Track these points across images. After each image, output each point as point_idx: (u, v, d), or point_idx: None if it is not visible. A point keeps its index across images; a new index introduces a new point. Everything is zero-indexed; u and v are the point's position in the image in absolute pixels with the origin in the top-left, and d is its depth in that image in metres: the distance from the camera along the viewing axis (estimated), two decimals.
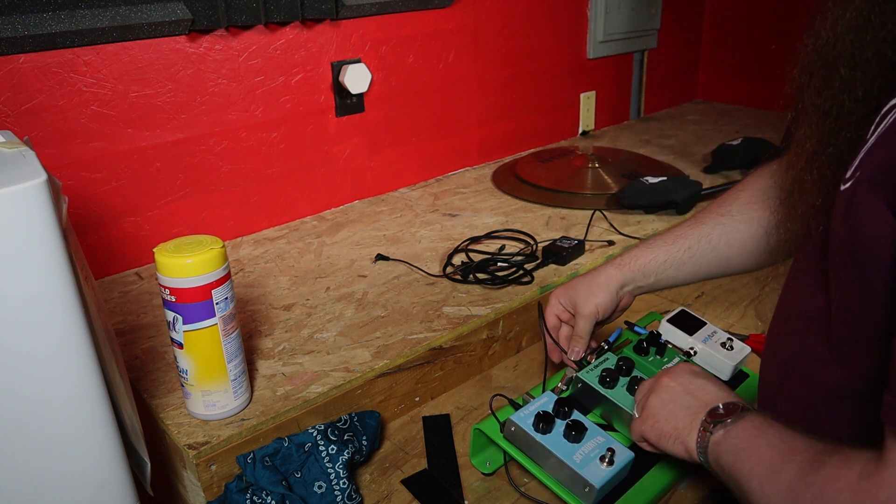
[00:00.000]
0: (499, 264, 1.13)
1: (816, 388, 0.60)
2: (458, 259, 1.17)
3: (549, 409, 0.74)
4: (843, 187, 0.53)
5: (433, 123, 1.56)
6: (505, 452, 0.76)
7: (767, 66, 2.12)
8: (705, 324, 0.91)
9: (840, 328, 0.56)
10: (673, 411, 0.66)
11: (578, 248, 1.18)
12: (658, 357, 0.87)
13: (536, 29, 1.71)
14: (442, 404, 0.95)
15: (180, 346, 0.74)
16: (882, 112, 0.50)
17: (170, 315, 0.73)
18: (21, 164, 0.52)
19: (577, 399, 0.83)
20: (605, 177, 1.52)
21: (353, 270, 1.15)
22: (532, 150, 1.79)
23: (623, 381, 0.81)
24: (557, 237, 1.22)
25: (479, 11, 1.56)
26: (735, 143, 1.62)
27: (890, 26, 0.51)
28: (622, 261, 0.84)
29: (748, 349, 0.89)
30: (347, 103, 1.38)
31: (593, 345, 0.86)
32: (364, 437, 0.81)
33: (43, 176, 0.49)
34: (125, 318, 1.02)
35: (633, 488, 0.73)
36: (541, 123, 1.82)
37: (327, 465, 0.76)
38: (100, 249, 1.15)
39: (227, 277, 0.74)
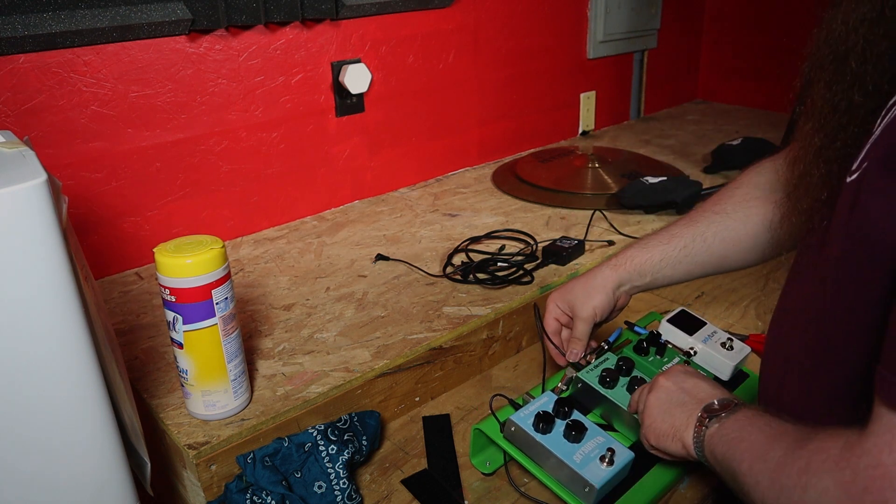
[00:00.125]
0: (499, 264, 1.13)
1: (817, 385, 0.60)
2: (458, 259, 1.17)
3: (549, 409, 0.74)
4: (848, 179, 0.53)
5: (433, 123, 1.56)
6: (505, 452, 0.76)
7: (767, 66, 2.12)
8: (705, 324, 0.91)
9: (842, 323, 0.56)
10: (669, 410, 0.67)
11: (578, 248, 1.18)
12: (658, 357, 0.87)
13: (536, 29, 1.71)
14: (442, 404, 0.95)
15: (180, 346, 0.74)
16: (888, 106, 0.51)
17: (170, 315, 0.73)
18: (21, 164, 0.52)
19: (577, 399, 0.83)
20: (605, 177, 1.52)
21: (353, 270, 1.15)
22: (532, 150, 1.79)
23: (623, 381, 0.81)
24: (557, 237, 1.22)
25: (479, 11, 1.56)
26: (735, 143, 1.62)
27: None
28: (618, 261, 0.84)
29: (748, 349, 0.89)
30: (347, 103, 1.38)
31: (593, 345, 0.86)
32: (364, 437, 0.81)
33: (43, 176, 0.49)
34: (125, 318, 1.02)
35: (633, 488, 0.73)
36: (541, 123, 1.82)
37: (327, 465, 0.76)
38: (100, 249, 1.15)
39: (227, 277, 0.74)
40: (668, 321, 0.90)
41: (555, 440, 0.71)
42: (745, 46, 2.17)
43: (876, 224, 0.50)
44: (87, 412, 0.56)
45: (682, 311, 0.93)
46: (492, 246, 1.23)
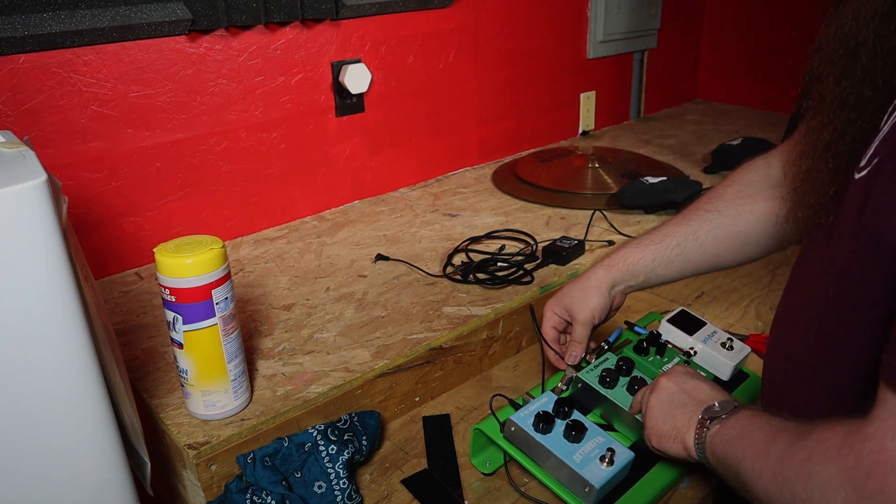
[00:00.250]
0: (499, 264, 1.13)
1: (821, 381, 0.60)
2: (458, 259, 1.17)
3: (549, 409, 0.74)
4: (857, 176, 0.53)
5: (433, 123, 1.56)
6: (505, 452, 0.76)
7: (767, 66, 2.12)
8: (705, 324, 0.91)
9: (848, 319, 0.56)
10: (671, 411, 0.67)
11: (578, 248, 1.18)
12: (658, 357, 0.87)
13: (536, 29, 1.71)
14: (442, 404, 0.95)
15: (180, 346, 0.74)
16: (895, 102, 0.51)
17: (170, 315, 0.73)
18: (21, 164, 0.52)
19: (577, 399, 0.83)
20: (605, 177, 1.52)
21: (353, 270, 1.15)
22: (532, 150, 1.79)
23: (623, 381, 0.81)
24: (557, 237, 1.22)
25: (479, 11, 1.56)
26: (735, 143, 1.62)
27: None
28: (610, 262, 0.84)
29: (748, 349, 0.89)
30: (347, 103, 1.38)
31: (592, 345, 0.86)
32: (364, 437, 0.81)
33: (43, 176, 0.49)
34: (125, 318, 1.02)
35: (633, 488, 0.73)
36: (541, 123, 1.82)
37: (327, 465, 0.76)
38: (100, 249, 1.15)
39: (227, 277, 0.74)
40: (668, 321, 0.90)
41: (555, 440, 0.71)
42: (745, 46, 2.17)
43: (886, 221, 0.49)
44: (87, 412, 0.56)
45: (682, 311, 0.93)
46: (492, 246, 1.23)
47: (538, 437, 0.71)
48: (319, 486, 0.75)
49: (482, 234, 1.27)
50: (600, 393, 0.80)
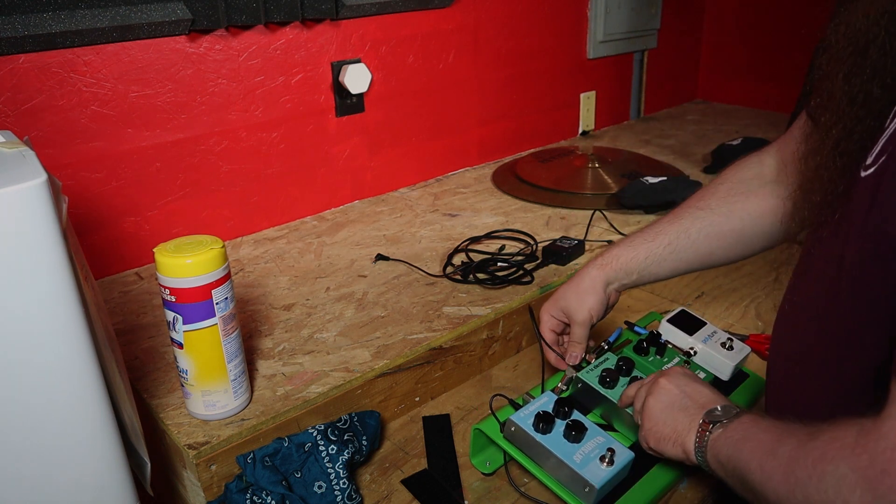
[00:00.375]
0: (499, 264, 1.13)
1: (831, 380, 0.60)
2: (458, 259, 1.17)
3: (549, 409, 0.74)
4: (863, 174, 0.53)
5: (433, 123, 1.56)
6: (505, 452, 0.76)
7: (767, 66, 2.12)
8: (705, 324, 0.91)
9: (858, 317, 0.56)
10: (672, 413, 0.67)
11: (578, 248, 1.18)
12: (658, 357, 0.87)
13: (536, 29, 1.71)
14: (442, 404, 0.95)
15: (180, 346, 0.74)
16: None
17: (170, 315, 0.73)
18: (21, 164, 0.52)
19: (577, 399, 0.83)
20: (605, 177, 1.52)
21: (353, 270, 1.15)
22: (532, 150, 1.79)
23: (623, 381, 0.81)
24: (557, 237, 1.22)
25: (479, 11, 1.56)
26: (735, 143, 1.62)
27: None
28: (604, 261, 0.84)
29: (748, 349, 0.89)
30: (347, 103, 1.38)
31: (591, 343, 0.87)
32: (364, 437, 0.81)
33: (43, 176, 0.49)
34: (125, 318, 1.02)
35: (633, 488, 0.73)
36: (541, 123, 1.82)
37: (327, 465, 0.76)
38: (100, 249, 1.15)
39: (227, 277, 0.74)
40: (668, 321, 0.90)
41: (555, 440, 0.71)
42: (745, 46, 2.17)
43: (894, 219, 0.49)
44: (87, 412, 0.56)
45: (682, 311, 0.93)
46: (492, 246, 1.23)
47: (538, 437, 0.71)
48: (319, 486, 0.75)
49: (482, 234, 1.27)
50: (600, 393, 0.80)
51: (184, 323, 0.73)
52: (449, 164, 1.63)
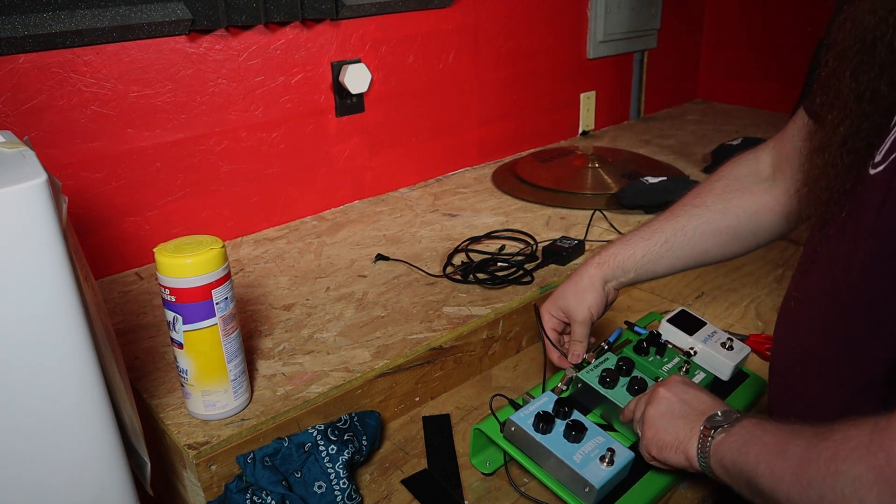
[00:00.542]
0: (499, 264, 1.13)
1: (839, 377, 0.60)
2: (458, 259, 1.17)
3: (549, 409, 0.74)
4: (872, 172, 0.53)
5: (433, 123, 1.56)
6: (505, 452, 0.76)
7: (767, 66, 2.12)
8: (705, 324, 0.91)
9: (868, 314, 0.55)
10: (672, 421, 0.67)
11: (578, 248, 1.18)
12: (658, 357, 0.87)
13: (536, 29, 1.71)
14: (442, 404, 0.95)
15: (180, 346, 0.74)
16: None
17: (170, 315, 0.73)
18: (21, 164, 0.52)
19: (577, 399, 0.83)
20: (605, 177, 1.52)
21: (353, 270, 1.15)
22: (532, 150, 1.79)
23: (623, 381, 0.81)
24: (557, 237, 1.22)
25: (479, 11, 1.56)
26: (735, 143, 1.62)
27: None
28: (601, 259, 0.85)
29: (748, 349, 0.89)
30: (347, 103, 1.38)
31: (592, 340, 0.87)
32: (364, 437, 0.81)
33: (43, 176, 0.49)
34: (125, 318, 1.02)
35: (633, 488, 0.73)
36: (541, 123, 1.82)
37: (327, 465, 0.76)
38: (100, 249, 1.15)
39: (227, 277, 0.74)
40: (668, 321, 0.90)
41: (555, 440, 0.71)
42: (745, 46, 2.17)
43: None
44: (87, 412, 0.56)
45: (682, 311, 0.93)
46: (492, 246, 1.23)
47: (538, 437, 0.71)
48: (319, 486, 0.75)
49: (482, 234, 1.27)
50: (600, 393, 0.80)
51: (184, 323, 0.73)
52: (449, 164, 1.63)
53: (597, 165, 1.56)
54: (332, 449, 0.77)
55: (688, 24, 2.20)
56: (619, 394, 0.80)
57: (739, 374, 0.89)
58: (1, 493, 0.54)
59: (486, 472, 0.80)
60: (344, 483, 0.76)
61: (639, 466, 0.73)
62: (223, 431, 0.77)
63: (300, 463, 0.76)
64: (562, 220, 1.34)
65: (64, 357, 0.53)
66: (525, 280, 1.09)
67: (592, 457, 0.70)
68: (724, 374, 0.87)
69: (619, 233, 1.27)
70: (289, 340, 0.95)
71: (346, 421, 0.80)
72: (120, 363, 0.70)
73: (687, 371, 0.84)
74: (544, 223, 1.33)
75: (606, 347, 0.87)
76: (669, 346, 0.88)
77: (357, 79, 1.34)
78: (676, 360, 0.87)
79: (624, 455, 0.71)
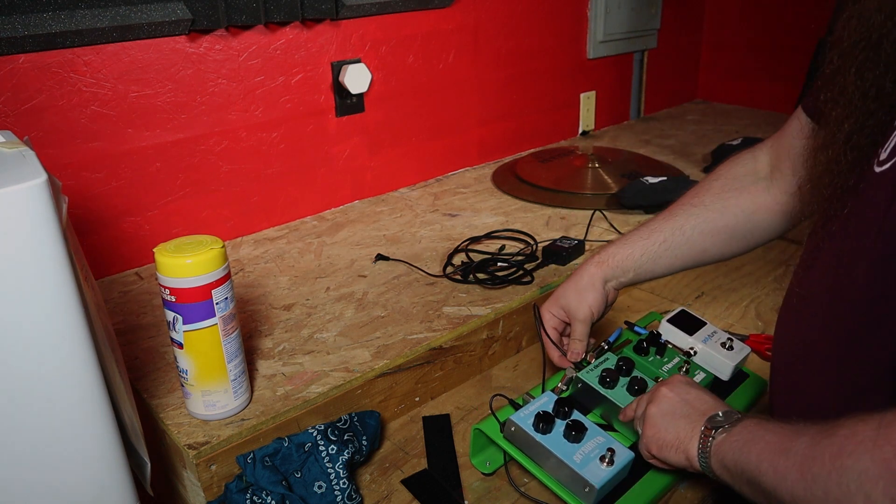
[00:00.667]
0: (499, 264, 1.13)
1: (842, 373, 0.60)
2: (458, 259, 1.17)
3: (549, 409, 0.74)
4: (878, 169, 0.53)
5: (433, 123, 1.56)
6: (505, 452, 0.76)
7: (767, 66, 2.12)
8: (705, 324, 0.91)
9: (874, 311, 0.55)
10: (673, 421, 0.66)
11: (578, 248, 1.18)
12: (658, 357, 0.87)
13: (536, 29, 1.71)
14: (442, 404, 0.95)
15: (180, 346, 0.74)
16: None
17: (170, 315, 0.73)
18: (21, 164, 0.52)
19: (577, 399, 0.83)
20: (605, 177, 1.52)
21: (353, 270, 1.15)
22: (532, 150, 1.79)
23: (623, 381, 0.81)
24: (557, 237, 1.22)
25: (479, 11, 1.56)
26: (735, 143, 1.62)
27: None
28: (600, 259, 0.85)
29: (748, 349, 0.89)
30: (347, 103, 1.38)
31: (592, 340, 0.87)
32: (364, 437, 0.81)
33: (43, 176, 0.49)
34: (125, 318, 1.02)
35: (633, 488, 0.73)
36: (541, 123, 1.82)
37: (327, 465, 0.76)
38: (100, 249, 1.15)
39: (227, 277, 0.74)
40: (668, 321, 0.90)
41: (555, 440, 0.71)
42: (746, 46, 2.17)
43: None
44: (87, 412, 0.56)
45: (682, 311, 0.93)
46: (492, 246, 1.23)
47: (538, 437, 0.71)
48: (319, 486, 0.75)
49: (482, 234, 1.27)
50: (600, 393, 0.80)
51: (184, 323, 0.73)
52: (449, 164, 1.63)
53: (597, 165, 1.56)
54: (332, 449, 0.77)
55: (688, 24, 2.20)
56: (619, 394, 0.80)
57: (739, 375, 0.89)
58: (1, 493, 0.54)
59: (486, 472, 0.80)
60: (344, 483, 0.76)
61: (639, 466, 0.73)
62: (223, 431, 0.77)
63: (300, 463, 0.76)
64: (562, 220, 1.34)
65: (64, 357, 0.53)
66: (525, 280, 1.09)
67: (592, 457, 0.70)
68: (724, 374, 0.87)
69: (619, 233, 1.27)
70: (289, 340, 0.95)
71: (346, 421, 0.80)
72: (120, 363, 0.70)
73: (687, 371, 0.84)
74: (544, 223, 1.33)
75: (606, 347, 0.87)
76: (669, 346, 0.88)
77: (357, 79, 1.34)
78: (676, 360, 0.87)
79: (624, 455, 0.71)
